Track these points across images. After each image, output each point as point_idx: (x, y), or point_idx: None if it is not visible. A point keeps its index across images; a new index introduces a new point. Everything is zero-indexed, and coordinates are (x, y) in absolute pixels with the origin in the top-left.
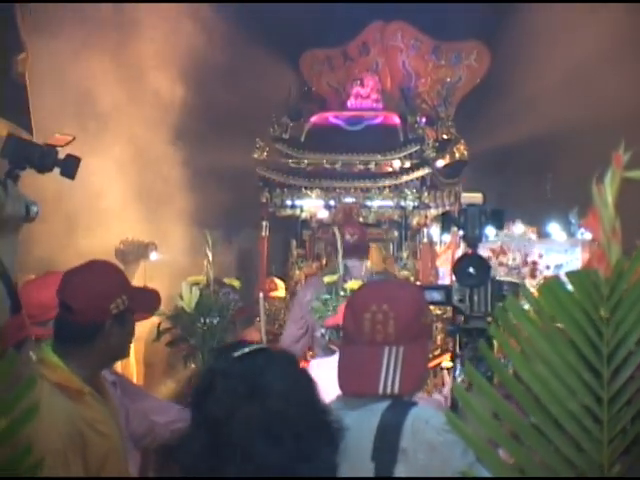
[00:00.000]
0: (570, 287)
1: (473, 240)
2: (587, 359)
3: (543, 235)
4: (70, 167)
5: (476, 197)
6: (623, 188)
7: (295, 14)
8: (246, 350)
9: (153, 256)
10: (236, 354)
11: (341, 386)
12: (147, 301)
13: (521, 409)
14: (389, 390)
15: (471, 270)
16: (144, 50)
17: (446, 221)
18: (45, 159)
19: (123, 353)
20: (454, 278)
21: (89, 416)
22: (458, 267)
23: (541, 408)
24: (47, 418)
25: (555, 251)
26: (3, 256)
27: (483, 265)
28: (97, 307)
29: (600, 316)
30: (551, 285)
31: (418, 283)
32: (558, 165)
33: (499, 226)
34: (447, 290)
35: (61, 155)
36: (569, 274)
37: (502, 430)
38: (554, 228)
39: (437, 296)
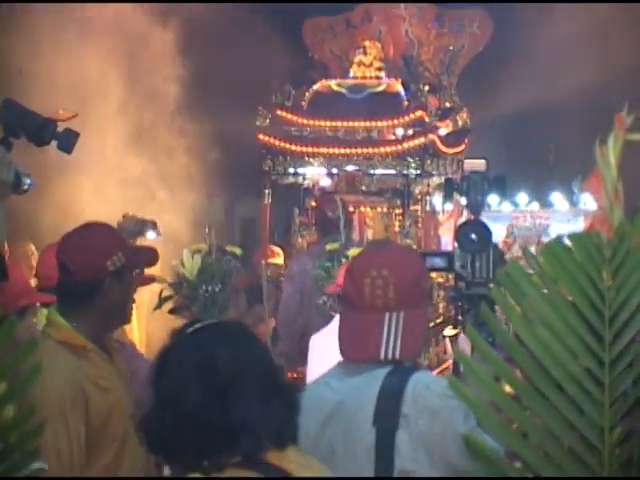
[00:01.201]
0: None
1: (476, 207)
2: (589, 322)
3: (546, 205)
4: (68, 141)
5: (479, 163)
6: (625, 151)
7: None
8: (197, 325)
9: (150, 235)
10: (188, 330)
11: (342, 352)
12: (145, 257)
13: (523, 372)
14: (390, 355)
15: (473, 236)
16: (141, 21)
17: (448, 188)
18: (43, 131)
19: (125, 312)
20: (456, 245)
21: (92, 373)
22: (460, 233)
23: (543, 371)
24: (48, 375)
25: (558, 221)
26: None
27: (485, 231)
28: (93, 265)
29: (602, 279)
30: (553, 248)
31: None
32: (561, 134)
33: (502, 193)
34: (449, 256)
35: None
36: (572, 237)
37: (504, 393)
38: (557, 197)
39: (439, 262)
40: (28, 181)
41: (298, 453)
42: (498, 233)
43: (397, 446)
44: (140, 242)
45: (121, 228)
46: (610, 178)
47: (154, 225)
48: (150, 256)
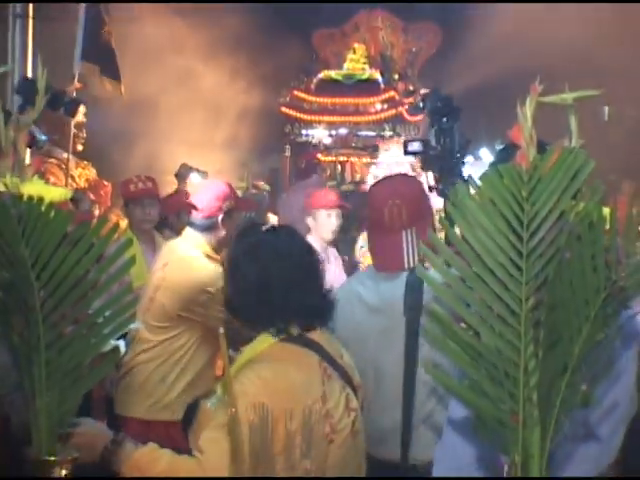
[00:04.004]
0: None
1: (437, 108)
2: (512, 226)
3: (476, 158)
4: (71, 108)
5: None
6: (538, 109)
7: (312, 6)
8: (269, 226)
9: (195, 178)
10: (265, 228)
11: (376, 266)
12: (247, 204)
13: (467, 261)
14: (412, 263)
15: (445, 119)
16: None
17: (429, 100)
18: (54, 100)
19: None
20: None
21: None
22: (434, 115)
23: (480, 261)
24: (208, 270)
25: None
26: None
27: (454, 111)
28: (213, 206)
29: (522, 196)
30: (489, 174)
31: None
32: (489, 109)
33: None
34: (425, 142)
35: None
36: (501, 167)
37: (453, 276)
38: (484, 152)
39: (419, 146)
40: (43, 137)
41: (326, 332)
42: None
43: (422, 329)
44: (188, 183)
45: (179, 172)
46: (527, 127)
47: (199, 171)
48: (250, 204)
